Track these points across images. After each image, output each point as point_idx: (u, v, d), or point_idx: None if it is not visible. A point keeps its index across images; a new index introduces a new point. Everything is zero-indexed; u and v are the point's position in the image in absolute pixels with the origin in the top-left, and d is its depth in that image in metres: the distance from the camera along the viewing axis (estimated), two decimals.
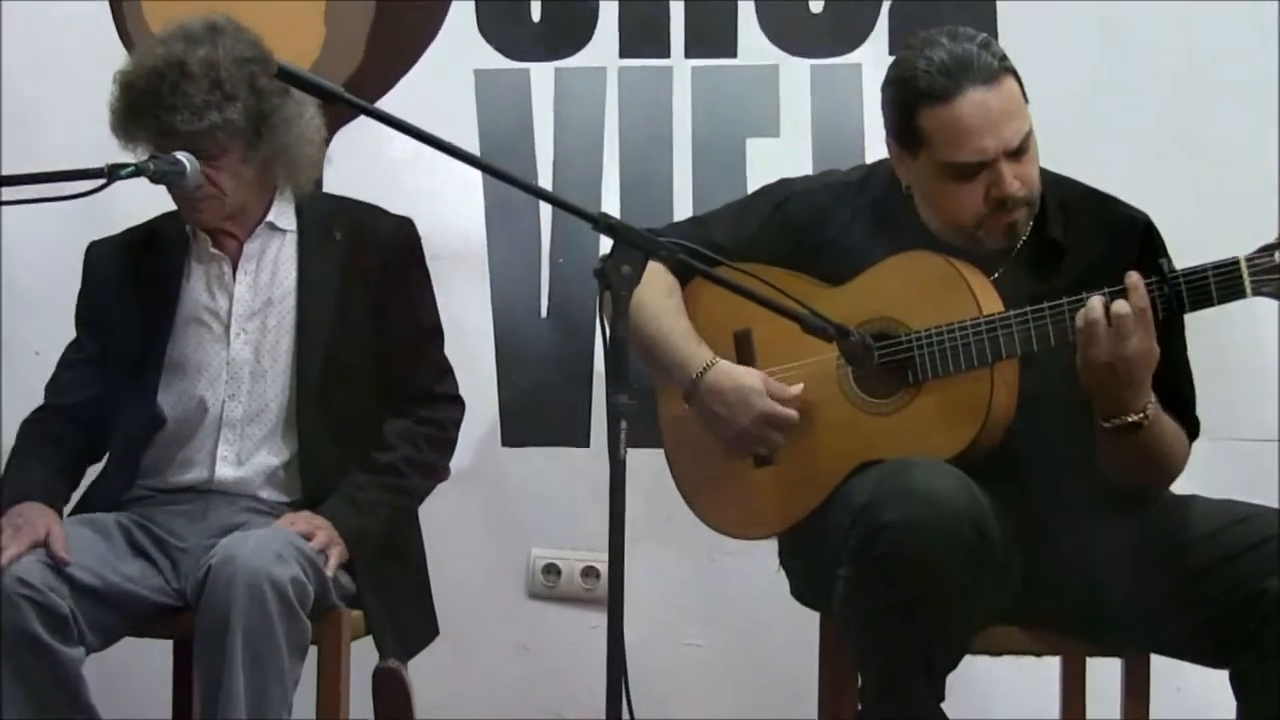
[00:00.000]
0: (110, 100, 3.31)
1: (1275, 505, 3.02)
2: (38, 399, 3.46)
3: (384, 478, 3.37)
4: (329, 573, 3.20)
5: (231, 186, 3.33)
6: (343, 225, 3.45)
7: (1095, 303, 2.89)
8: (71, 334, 3.49)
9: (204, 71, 3.24)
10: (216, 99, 3.24)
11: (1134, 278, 2.89)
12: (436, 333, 3.52)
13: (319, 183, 3.91)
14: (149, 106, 3.24)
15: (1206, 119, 3.80)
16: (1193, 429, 3.10)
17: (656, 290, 3.18)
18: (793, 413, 3.10)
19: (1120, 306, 2.87)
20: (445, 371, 3.52)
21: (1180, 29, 3.82)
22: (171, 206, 3.40)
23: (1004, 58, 3.02)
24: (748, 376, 3.14)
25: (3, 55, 4.12)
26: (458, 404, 3.52)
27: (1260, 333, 3.58)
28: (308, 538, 3.20)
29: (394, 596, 3.39)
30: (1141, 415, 2.92)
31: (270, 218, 3.42)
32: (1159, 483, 3.07)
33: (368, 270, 3.42)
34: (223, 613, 3.02)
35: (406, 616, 3.43)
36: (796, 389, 3.11)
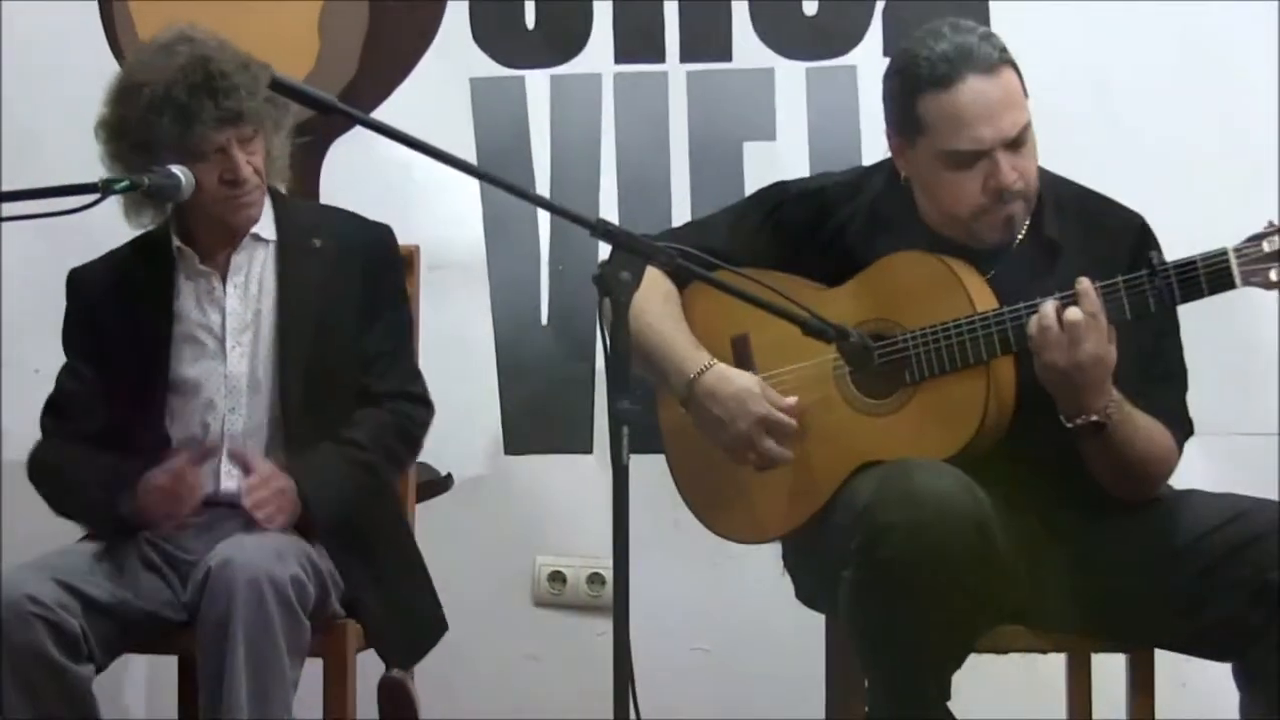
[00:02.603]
0: (136, 119, 3.27)
1: (1277, 500, 3.01)
2: (36, 414, 3.45)
3: (347, 449, 3.34)
4: (274, 526, 3.19)
5: (263, 172, 3.35)
6: (322, 233, 3.45)
7: (1048, 308, 2.90)
8: None
9: (229, 57, 3.27)
10: (255, 72, 3.27)
11: (1084, 284, 2.90)
12: (410, 337, 3.52)
13: (315, 193, 3.94)
14: (203, 100, 3.23)
15: (1199, 118, 3.80)
16: (1183, 431, 3.09)
17: (654, 297, 3.18)
18: (791, 420, 3.10)
19: (1072, 313, 2.88)
20: (417, 375, 3.50)
21: (1172, 28, 3.82)
22: None
23: (1004, 50, 3.04)
24: (744, 379, 3.13)
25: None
26: (428, 407, 3.49)
27: (1260, 327, 3.58)
28: (260, 508, 3.20)
29: (391, 602, 3.37)
30: (1102, 416, 2.93)
31: (256, 229, 3.42)
32: (1141, 486, 3.06)
33: (347, 277, 3.42)
34: (223, 612, 3.02)
35: (406, 622, 3.40)
36: (792, 400, 3.11)
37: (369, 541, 3.38)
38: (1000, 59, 3.01)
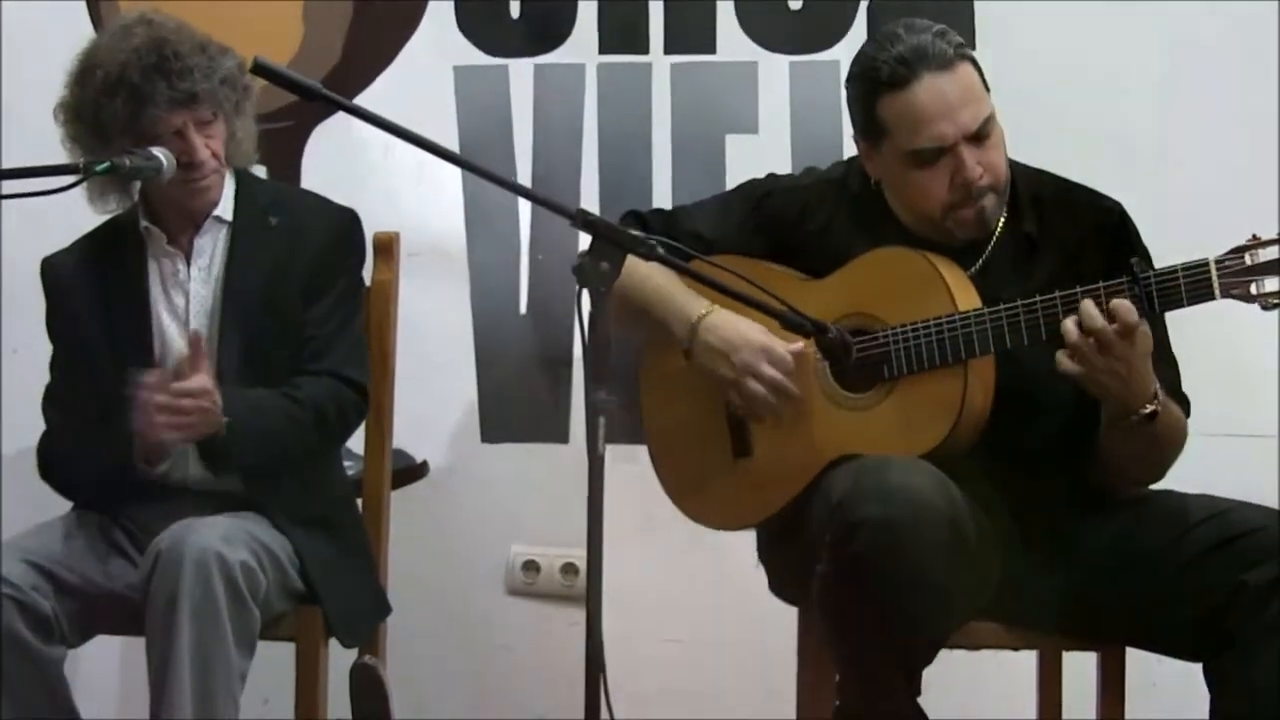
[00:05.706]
0: (91, 101, 3.26)
1: (1275, 502, 3.02)
2: (12, 395, 3.44)
3: (281, 398, 3.31)
4: (174, 436, 3.17)
5: (222, 155, 3.33)
6: (280, 212, 3.43)
7: (1089, 306, 2.87)
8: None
9: (185, 39, 3.26)
10: (212, 54, 3.27)
11: (1125, 306, 2.86)
12: (355, 323, 3.47)
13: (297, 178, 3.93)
14: (157, 82, 3.21)
15: (1185, 120, 3.80)
16: (1187, 408, 3.09)
17: (642, 263, 3.19)
18: (789, 356, 3.11)
19: (1122, 304, 2.87)
20: (356, 361, 3.44)
21: (1158, 28, 3.82)
22: None
23: (960, 45, 3.05)
24: (749, 321, 3.14)
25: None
26: (364, 395, 3.43)
27: (1259, 328, 3.58)
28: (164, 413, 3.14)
29: (334, 580, 3.34)
30: (1155, 406, 2.93)
31: (218, 211, 3.40)
32: (1163, 469, 3.07)
33: (298, 256, 3.39)
34: (170, 593, 3.01)
35: (346, 599, 3.37)
36: (797, 344, 3.11)
37: (317, 518, 3.35)
38: (956, 54, 3.03)
